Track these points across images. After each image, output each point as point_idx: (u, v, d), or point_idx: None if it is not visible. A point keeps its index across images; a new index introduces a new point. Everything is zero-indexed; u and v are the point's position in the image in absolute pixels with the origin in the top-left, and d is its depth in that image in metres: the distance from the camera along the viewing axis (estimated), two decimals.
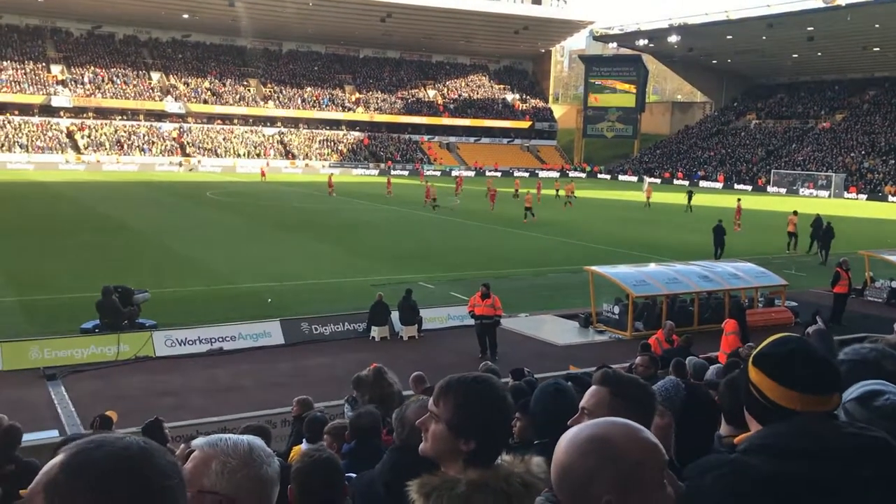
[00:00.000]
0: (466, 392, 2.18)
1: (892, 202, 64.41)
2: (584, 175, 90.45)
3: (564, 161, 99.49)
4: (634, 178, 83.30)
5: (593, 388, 2.53)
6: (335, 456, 3.70)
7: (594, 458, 1.48)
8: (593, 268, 20.41)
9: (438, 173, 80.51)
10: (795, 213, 32.49)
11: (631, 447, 1.51)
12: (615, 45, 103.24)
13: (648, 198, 51.11)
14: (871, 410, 2.23)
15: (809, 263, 28.88)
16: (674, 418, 2.89)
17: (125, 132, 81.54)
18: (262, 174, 68.94)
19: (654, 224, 40.87)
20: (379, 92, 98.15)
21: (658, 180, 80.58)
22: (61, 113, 79.98)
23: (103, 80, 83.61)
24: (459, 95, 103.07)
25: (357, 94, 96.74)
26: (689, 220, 42.04)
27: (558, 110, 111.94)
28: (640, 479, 1.47)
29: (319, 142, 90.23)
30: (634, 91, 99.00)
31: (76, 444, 1.34)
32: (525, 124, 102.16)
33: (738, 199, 42.45)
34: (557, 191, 55.90)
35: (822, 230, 30.66)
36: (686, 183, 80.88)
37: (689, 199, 48.67)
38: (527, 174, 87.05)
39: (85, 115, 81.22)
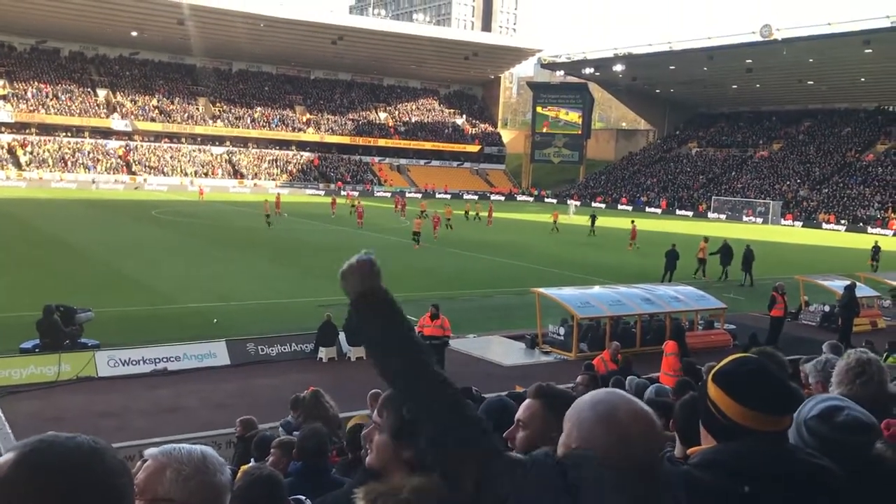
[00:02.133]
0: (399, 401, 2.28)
1: (826, 230, 66.67)
2: (531, 199, 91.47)
3: (513, 185, 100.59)
4: (578, 203, 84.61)
5: (527, 400, 2.60)
6: (276, 473, 3.76)
7: (604, 437, 1.71)
8: (540, 290, 20.72)
9: (389, 194, 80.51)
10: (706, 239, 32.92)
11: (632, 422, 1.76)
12: (562, 72, 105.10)
13: (555, 221, 50.00)
14: (834, 427, 2.27)
15: (748, 287, 29.72)
16: None
17: (69, 149, 79.83)
18: (201, 193, 68.63)
19: (597, 247, 41.58)
20: (330, 113, 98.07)
21: (578, 203, 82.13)
22: (2, 128, 77.96)
23: (47, 96, 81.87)
24: (410, 118, 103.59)
25: (308, 115, 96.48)
26: (629, 242, 42.82)
27: (507, 135, 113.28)
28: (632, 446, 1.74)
29: (269, 161, 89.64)
30: (580, 118, 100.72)
31: (27, 443, 1.35)
32: (475, 148, 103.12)
33: (633, 222, 44.35)
34: (467, 212, 56.38)
35: (731, 256, 31.81)
36: (630, 208, 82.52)
37: (593, 222, 48.55)
38: (476, 197, 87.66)
39: (27, 132, 79.32)
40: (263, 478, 3.44)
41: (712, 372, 2.10)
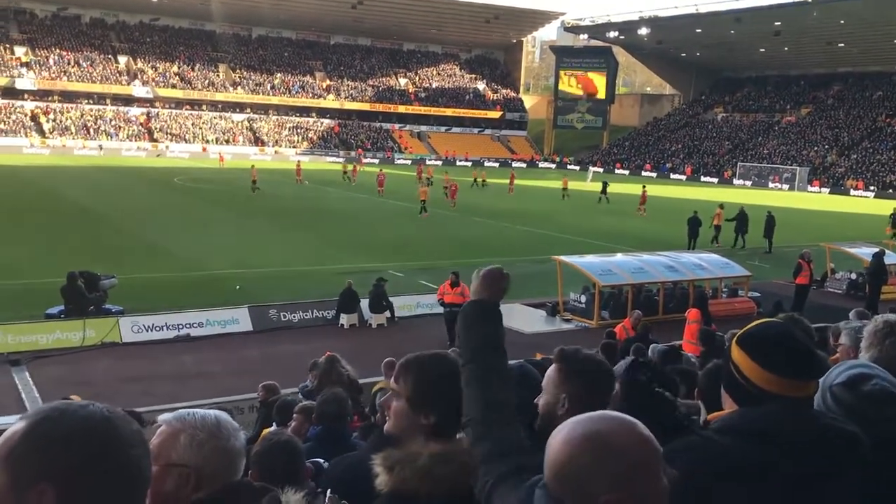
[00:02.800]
0: (424, 368, 2.29)
1: (854, 196, 65.67)
2: (553, 166, 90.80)
3: (535, 151, 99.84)
4: (601, 170, 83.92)
5: (552, 366, 2.63)
6: (294, 438, 3.77)
7: (590, 456, 1.42)
8: (561, 257, 20.60)
9: (409, 162, 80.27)
10: (721, 206, 32.48)
11: (627, 443, 1.44)
12: (586, 36, 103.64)
13: (565, 187, 49.02)
14: (859, 395, 2.22)
15: (767, 254, 29.39)
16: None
17: (91, 116, 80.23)
18: (221, 160, 68.98)
19: (619, 214, 41.27)
20: (350, 80, 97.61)
21: (601, 170, 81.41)
22: (25, 96, 78.43)
23: (69, 63, 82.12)
24: (431, 84, 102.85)
25: (328, 82, 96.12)
26: (655, 211, 42.40)
27: (529, 101, 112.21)
28: (636, 476, 1.42)
29: (289, 129, 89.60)
30: (604, 83, 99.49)
31: (38, 411, 1.32)
32: (496, 114, 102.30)
33: (644, 187, 44.36)
34: (475, 179, 55.92)
35: (746, 223, 31.06)
36: (654, 175, 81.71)
37: (604, 189, 47.57)
38: (497, 164, 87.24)
39: (50, 99, 79.75)
40: (282, 443, 3.44)
41: (737, 335, 2.05)
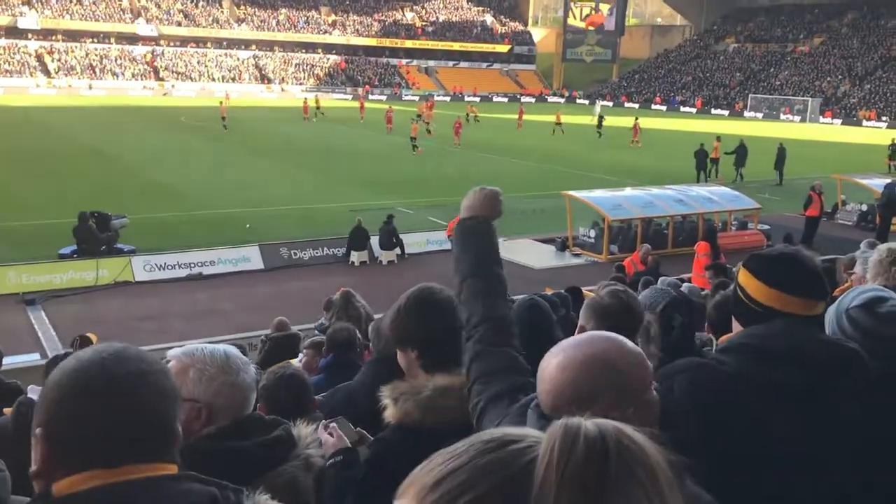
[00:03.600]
0: (403, 306, 2.33)
1: (867, 127, 64.73)
2: (563, 100, 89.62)
3: (544, 86, 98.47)
4: (610, 103, 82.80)
5: (584, 306, 2.63)
6: (300, 371, 3.83)
7: (593, 377, 1.45)
8: (570, 192, 20.55)
9: (417, 98, 79.27)
10: (718, 138, 31.89)
11: (626, 363, 1.49)
12: None
13: (558, 122, 48.00)
14: (877, 317, 2.20)
15: (777, 186, 29.20)
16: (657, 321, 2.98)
17: (96, 56, 79.36)
18: (227, 98, 68.35)
19: (626, 149, 40.89)
20: (355, 14, 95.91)
21: (610, 104, 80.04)
22: (28, 35, 77.53)
23: (71, 2, 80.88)
24: (438, 18, 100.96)
25: (333, 17, 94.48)
26: (664, 145, 41.98)
27: (538, 34, 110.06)
28: (634, 392, 1.48)
29: (295, 65, 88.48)
30: (614, 14, 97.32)
31: (78, 363, 1.33)
32: (504, 48, 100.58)
33: (636, 118, 44.06)
34: (468, 115, 54.58)
35: (745, 156, 30.51)
36: (664, 108, 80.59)
37: (600, 123, 46.84)
38: (506, 99, 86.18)
39: (54, 38, 78.81)
40: (287, 376, 3.50)
41: (744, 260, 2.09)
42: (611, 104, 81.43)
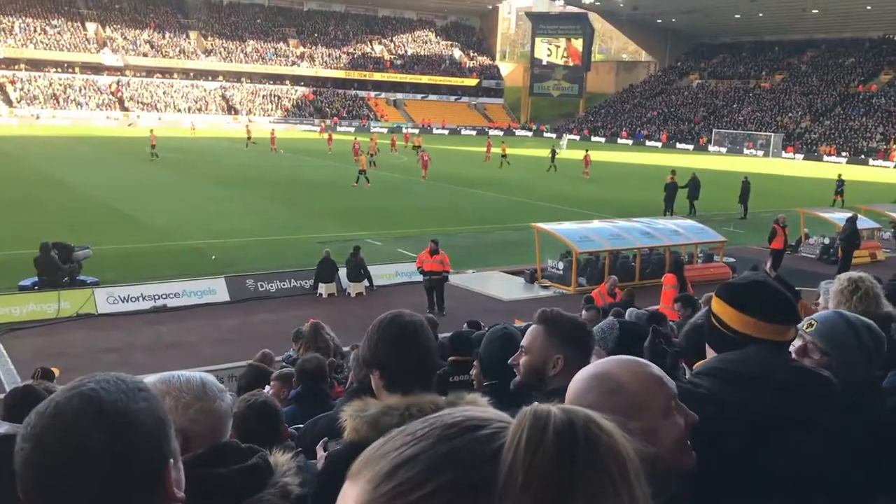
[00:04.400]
0: (372, 329, 2.37)
1: (827, 162, 66.28)
2: (530, 133, 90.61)
3: (511, 119, 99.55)
4: (577, 137, 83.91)
5: (532, 326, 2.65)
6: (272, 399, 3.78)
7: (595, 393, 1.48)
8: (539, 224, 20.67)
9: (385, 130, 79.60)
10: (673, 172, 31.99)
11: (630, 379, 1.51)
12: (562, 2, 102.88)
13: (504, 154, 48.13)
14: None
15: (742, 220, 29.65)
16: (607, 353, 3.01)
17: (60, 85, 78.63)
18: (193, 129, 68.50)
19: (594, 182, 41.36)
20: (324, 47, 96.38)
21: (577, 137, 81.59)
22: None
23: (35, 31, 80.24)
24: (406, 51, 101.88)
25: (301, 49, 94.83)
26: (631, 178, 42.58)
27: (505, 68, 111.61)
28: (639, 409, 1.48)
29: (263, 97, 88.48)
30: (580, 50, 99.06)
31: (65, 396, 1.19)
32: (472, 81, 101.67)
33: (586, 151, 45.67)
34: (408, 142, 55.86)
35: (698, 189, 30.70)
36: (630, 142, 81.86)
37: (553, 156, 47.03)
38: (474, 132, 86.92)
39: (16, 67, 78.00)
40: (259, 404, 3.44)
41: (716, 289, 2.15)
42: (577, 138, 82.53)
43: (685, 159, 55.95)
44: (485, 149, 52.80)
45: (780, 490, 1.80)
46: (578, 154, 47.27)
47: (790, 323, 2.06)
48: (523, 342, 2.64)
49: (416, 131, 74.35)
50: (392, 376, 2.29)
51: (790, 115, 79.30)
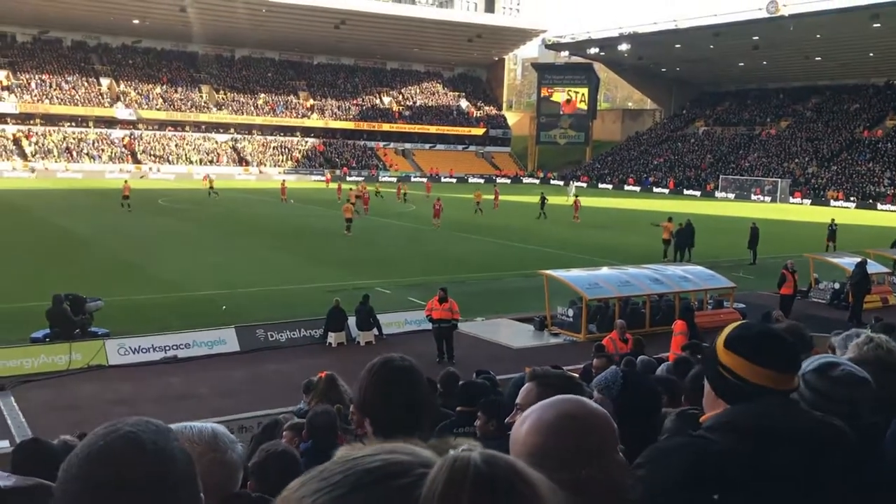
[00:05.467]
0: (362, 375, 2.36)
1: (835, 206, 66.28)
2: (538, 181, 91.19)
3: (518, 167, 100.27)
4: (584, 184, 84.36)
5: (525, 384, 2.70)
6: (291, 449, 3.78)
7: (571, 436, 1.50)
8: (548, 272, 20.70)
9: (394, 179, 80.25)
10: (670, 219, 31.81)
11: (595, 420, 1.55)
12: (567, 53, 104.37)
13: (478, 202, 47.91)
14: (830, 380, 2.36)
15: (751, 266, 29.58)
16: (612, 405, 3.04)
17: (74, 139, 79.88)
18: (205, 180, 69.14)
19: (603, 228, 41.47)
20: (333, 99, 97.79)
21: (584, 185, 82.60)
22: (7, 119, 78.05)
23: (51, 87, 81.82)
24: (414, 102, 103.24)
25: (311, 101, 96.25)
26: (638, 224, 42.66)
27: (512, 117, 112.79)
28: (605, 448, 1.53)
29: (273, 148, 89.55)
30: (586, 99, 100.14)
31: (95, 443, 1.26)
32: (479, 131, 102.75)
33: (576, 196, 47.63)
34: (402, 192, 55.76)
35: (692, 236, 30.21)
36: (637, 189, 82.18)
37: (542, 204, 46.47)
38: (482, 180, 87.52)
39: (32, 122, 79.38)
40: (278, 453, 3.46)
41: (722, 338, 2.13)
42: (584, 185, 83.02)
43: (693, 205, 56.09)
44: (493, 196, 53.17)
45: None
46: (576, 200, 47.44)
47: (798, 371, 2.11)
48: (517, 400, 2.67)
49: (403, 181, 74.73)
50: (382, 423, 2.26)
51: (796, 160, 79.60)
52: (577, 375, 2.82)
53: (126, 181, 48.63)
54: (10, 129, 77.68)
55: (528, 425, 1.55)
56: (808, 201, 70.28)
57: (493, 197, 51.38)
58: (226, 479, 1.93)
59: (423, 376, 2.43)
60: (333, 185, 62.29)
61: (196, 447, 1.88)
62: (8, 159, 73.94)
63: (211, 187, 54.88)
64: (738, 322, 2.20)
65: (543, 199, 47.47)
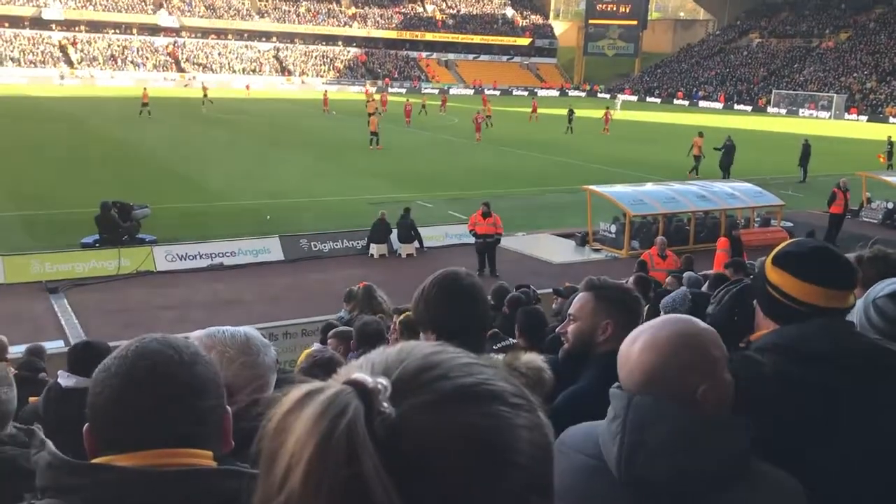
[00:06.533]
0: (425, 288, 2.32)
1: (893, 123, 63.88)
2: (584, 94, 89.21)
3: (564, 80, 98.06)
4: (634, 98, 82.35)
5: (579, 294, 2.63)
6: (337, 355, 3.84)
7: (688, 352, 1.53)
8: (591, 187, 20.43)
9: (436, 91, 79.19)
10: (701, 134, 30.64)
11: (707, 335, 1.57)
12: None
13: (489, 115, 45.59)
14: None
15: (801, 184, 28.87)
16: None
17: (118, 46, 79.93)
18: (247, 89, 69.30)
19: (647, 143, 40.62)
20: (376, 7, 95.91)
21: (634, 97, 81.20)
22: (52, 26, 78.22)
23: None
24: (458, 10, 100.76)
25: (354, 9, 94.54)
26: (684, 140, 41.77)
27: (559, 27, 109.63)
28: (719, 364, 1.55)
29: (315, 58, 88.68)
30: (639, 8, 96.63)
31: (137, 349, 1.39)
32: (525, 41, 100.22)
33: (607, 108, 47.82)
34: (423, 105, 53.40)
35: (733, 154, 29.01)
36: (686, 103, 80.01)
37: (570, 118, 45.30)
38: (525, 93, 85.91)
39: (77, 29, 79.45)
40: (325, 360, 3.52)
41: (771, 255, 2.07)
42: (634, 98, 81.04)
43: (743, 121, 54.54)
44: (530, 109, 52.23)
45: (861, 474, 1.76)
46: (628, 115, 46.50)
47: (852, 288, 2.00)
48: (570, 310, 2.61)
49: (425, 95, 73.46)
50: (447, 338, 2.17)
51: (855, 75, 76.43)
52: (632, 288, 2.75)
53: (145, 88, 48.53)
54: (56, 35, 77.89)
55: (640, 344, 1.56)
56: (865, 118, 67.81)
57: (530, 110, 50.90)
58: (258, 382, 1.96)
59: (485, 292, 2.39)
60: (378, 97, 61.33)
61: (228, 350, 1.92)
62: (55, 66, 74.43)
63: (205, 95, 52.80)
64: (791, 240, 2.12)
65: (571, 112, 46.15)
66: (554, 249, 19.23)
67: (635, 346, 1.57)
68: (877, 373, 1.86)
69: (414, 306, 2.36)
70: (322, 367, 3.46)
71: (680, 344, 1.54)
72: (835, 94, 71.90)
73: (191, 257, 16.91)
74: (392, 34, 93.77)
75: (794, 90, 76.89)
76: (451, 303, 2.25)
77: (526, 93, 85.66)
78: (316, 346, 6.36)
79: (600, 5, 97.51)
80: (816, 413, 1.80)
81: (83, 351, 4.07)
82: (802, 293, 1.95)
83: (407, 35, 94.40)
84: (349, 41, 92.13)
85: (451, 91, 78.53)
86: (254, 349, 1.95)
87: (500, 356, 2.03)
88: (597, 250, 19.23)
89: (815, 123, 61.00)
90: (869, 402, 1.82)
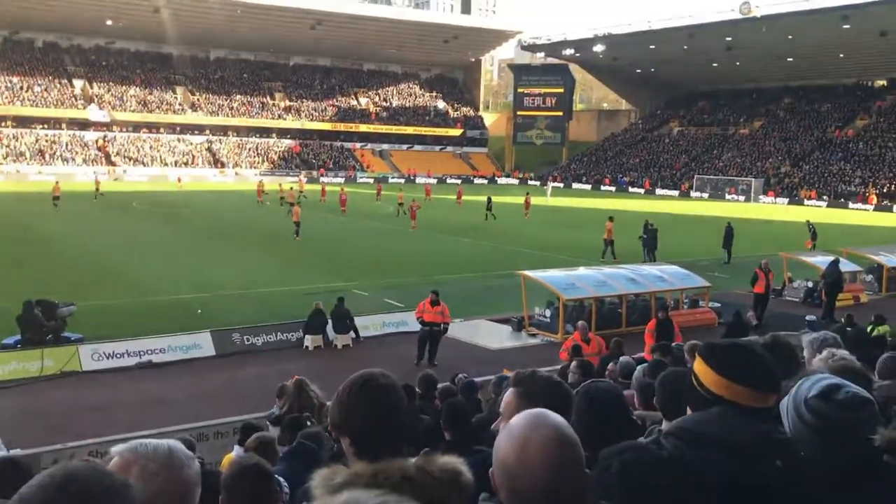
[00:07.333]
0: (343, 393, 2.25)
1: (808, 206, 67.07)
2: (516, 182, 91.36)
3: (496, 168, 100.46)
4: (561, 184, 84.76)
5: (509, 390, 2.60)
6: (264, 462, 3.71)
7: (545, 459, 1.57)
8: (525, 272, 20.74)
9: (371, 180, 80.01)
10: (611, 218, 31.76)
11: (566, 442, 1.63)
12: (543, 54, 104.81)
13: (401, 202, 46.74)
14: (835, 404, 2.22)
15: (726, 265, 29.83)
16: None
17: (47, 141, 78.83)
18: (179, 182, 68.87)
19: (577, 228, 41.61)
20: (310, 100, 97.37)
21: (560, 185, 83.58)
22: None
23: (22, 88, 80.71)
24: (391, 103, 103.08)
25: (287, 102, 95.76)
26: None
27: (489, 118, 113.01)
28: (575, 466, 1.62)
29: (249, 150, 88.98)
30: (562, 100, 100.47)
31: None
32: (457, 132, 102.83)
33: (527, 193, 49.24)
34: (301, 191, 53.54)
35: (655, 237, 30.10)
36: (613, 189, 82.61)
37: (489, 205, 45.63)
38: (459, 181, 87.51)
39: (3, 124, 78.24)
40: (250, 467, 3.40)
41: (700, 346, 2.14)
42: (561, 185, 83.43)
43: (669, 205, 56.49)
44: (455, 196, 53.38)
45: None
46: (558, 201, 47.69)
47: (768, 391, 2.02)
48: (500, 408, 2.60)
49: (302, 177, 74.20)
50: (362, 443, 2.16)
51: (770, 160, 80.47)
52: (563, 382, 2.77)
53: (57, 182, 48.52)
54: None
55: (504, 441, 1.60)
56: (782, 200, 71.06)
57: (455, 196, 52.60)
58: (182, 497, 1.90)
59: (404, 393, 2.32)
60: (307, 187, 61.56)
61: (151, 465, 1.85)
62: None
63: (97, 189, 52.70)
64: (725, 341, 2.19)
65: (489, 200, 46.68)
66: (491, 335, 19.31)
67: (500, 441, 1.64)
68: (759, 457, 1.88)
69: (330, 409, 2.30)
70: (249, 473, 3.33)
71: (541, 448, 1.59)
72: (752, 179, 75.39)
73: (118, 355, 16.37)
74: (327, 126, 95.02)
75: (714, 175, 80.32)
76: (366, 408, 2.17)
77: (460, 181, 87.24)
78: (237, 450, 6.17)
79: (527, 98, 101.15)
80: (707, 497, 1.82)
81: (3, 470, 3.85)
82: (712, 383, 2.02)
83: (342, 126, 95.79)
84: (283, 133, 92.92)
85: (388, 180, 79.37)
86: (177, 463, 1.88)
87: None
88: (533, 335, 19.37)
89: (736, 206, 63.60)
90: (749, 484, 1.84)
